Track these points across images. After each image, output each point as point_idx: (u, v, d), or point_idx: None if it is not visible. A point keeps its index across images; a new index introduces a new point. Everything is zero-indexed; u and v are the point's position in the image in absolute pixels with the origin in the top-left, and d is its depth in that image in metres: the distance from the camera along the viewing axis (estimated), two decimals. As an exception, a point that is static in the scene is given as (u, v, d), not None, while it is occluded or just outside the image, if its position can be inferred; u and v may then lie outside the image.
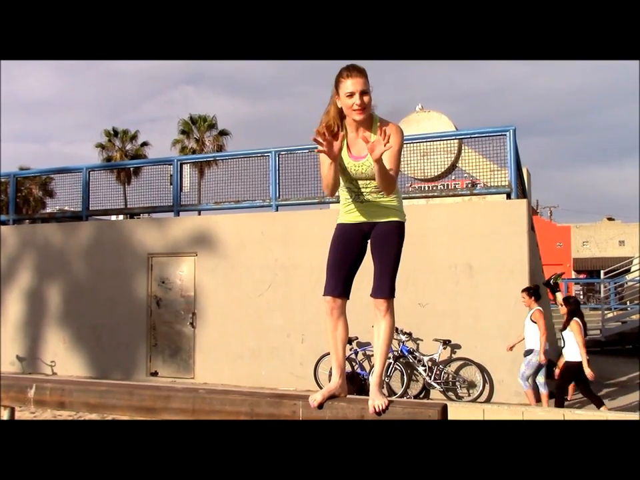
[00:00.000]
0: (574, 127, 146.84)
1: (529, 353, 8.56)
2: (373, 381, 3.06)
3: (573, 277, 43.19)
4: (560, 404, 8.13)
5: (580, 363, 8.06)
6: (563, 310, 8.47)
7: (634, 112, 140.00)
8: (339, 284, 3.16)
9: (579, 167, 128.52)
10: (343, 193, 3.28)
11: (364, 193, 3.18)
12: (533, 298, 8.69)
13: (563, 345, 8.40)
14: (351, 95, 3.01)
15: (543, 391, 8.61)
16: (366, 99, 3.01)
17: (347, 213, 3.25)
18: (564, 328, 8.37)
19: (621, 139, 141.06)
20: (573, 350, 8.17)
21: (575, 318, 8.26)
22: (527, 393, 8.69)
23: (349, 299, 3.21)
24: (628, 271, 19.81)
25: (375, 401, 2.88)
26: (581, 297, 37.27)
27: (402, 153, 3.17)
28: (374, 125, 3.10)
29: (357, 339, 9.70)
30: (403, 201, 3.31)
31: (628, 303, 18.74)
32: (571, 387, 9.85)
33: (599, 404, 8.29)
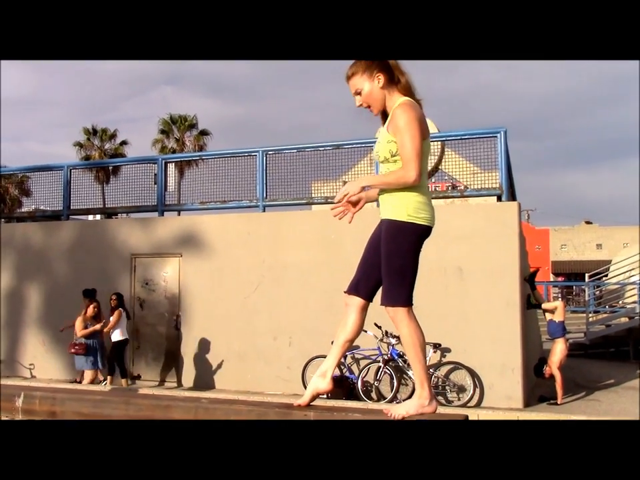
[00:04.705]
0: (549, 130, 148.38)
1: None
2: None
3: (551, 279, 43.55)
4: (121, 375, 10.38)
5: (119, 342, 10.36)
6: (113, 303, 10.42)
7: (609, 117, 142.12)
8: (355, 282, 3.07)
9: (555, 170, 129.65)
10: None
11: None
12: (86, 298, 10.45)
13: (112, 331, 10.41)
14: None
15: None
16: (360, 97, 2.99)
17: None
18: (111, 315, 10.34)
19: (595, 143, 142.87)
20: (117, 332, 10.35)
21: (119, 309, 10.38)
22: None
23: (367, 300, 3.05)
24: (607, 275, 19.94)
25: (393, 409, 2.84)
26: (560, 299, 37.54)
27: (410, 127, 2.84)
28: (393, 109, 2.96)
29: (352, 344, 9.54)
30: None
31: (607, 307, 18.85)
32: (559, 390, 9.84)
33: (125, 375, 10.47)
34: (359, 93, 2.97)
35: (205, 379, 10.74)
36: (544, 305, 10.83)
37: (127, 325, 10.73)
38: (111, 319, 10.46)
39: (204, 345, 10.89)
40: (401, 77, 2.93)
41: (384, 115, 3.02)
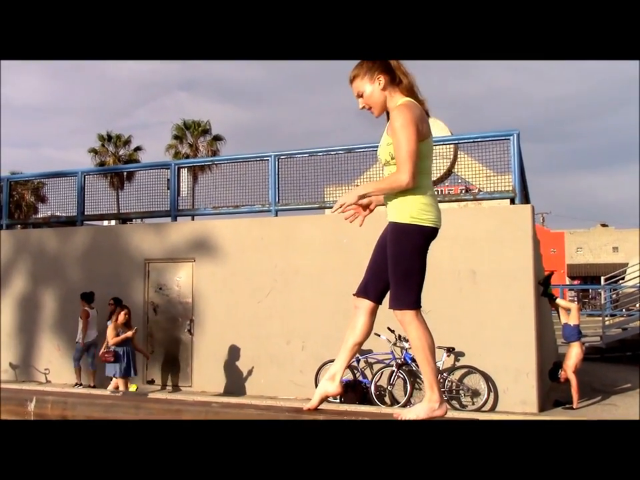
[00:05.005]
0: (564, 133, 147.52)
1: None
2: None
3: (567, 282, 43.22)
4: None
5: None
6: (110, 308, 10.32)
7: (624, 119, 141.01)
8: (363, 284, 3.07)
9: (569, 173, 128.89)
10: None
11: None
12: (84, 301, 11.19)
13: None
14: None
15: (90, 368, 11.23)
16: (362, 100, 2.99)
17: None
18: (109, 319, 10.23)
19: (611, 146, 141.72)
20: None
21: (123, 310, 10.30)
22: (75, 370, 11.20)
23: (376, 302, 3.04)
24: (623, 278, 19.74)
25: (403, 413, 2.86)
26: (576, 302, 37.18)
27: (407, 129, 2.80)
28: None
29: (361, 347, 9.51)
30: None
31: (624, 310, 18.65)
32: (575, 394, 9.74)
33: None
34: (360, 96, 2.98)
35: (217, 383, 10.74)
36: (559, 300, 10.63)
37: None
38: (109, 323, 10.61)
39: (217, 350, 10.90)
40: (403, 78, 2.92)
41: (388, 117, 3.01)
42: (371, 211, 3.12)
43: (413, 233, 2.85)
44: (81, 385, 11.05)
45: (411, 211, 2.85)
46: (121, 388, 9.34)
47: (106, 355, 9.45)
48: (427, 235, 2.89)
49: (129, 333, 9.58)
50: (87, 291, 11.23)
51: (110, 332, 9.52)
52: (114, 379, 9.57)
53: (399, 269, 2.85)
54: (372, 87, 2.93)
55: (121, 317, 9.58)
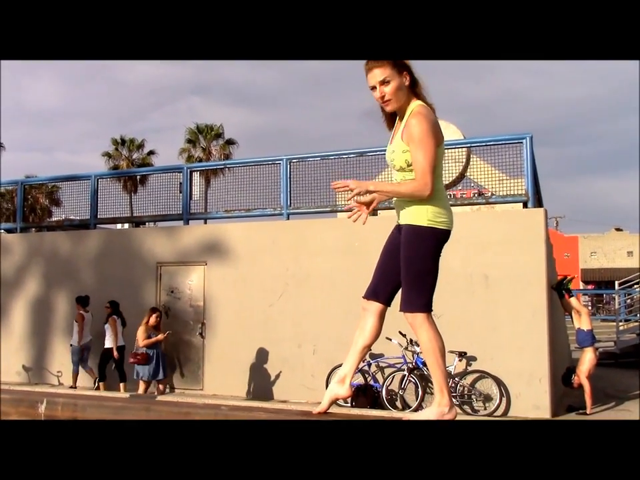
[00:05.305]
0: (578, 136, 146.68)
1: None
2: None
3: (581, 287, 42.91)
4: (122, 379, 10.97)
5: (110, 349, 10.91)
6: (107, 310, 11.08)
7: (638, 121, 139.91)
8: (372, 286, 3.06)
9: (583, 177, 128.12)
10: None
11: None
12: (79, 305, 11.39)
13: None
14: (373, 88, 2.91)
15: (86, 369, 11.50)
16: (387, 88, 2.86)
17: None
18: (106, 322, 11.04)
19: (625, 149, 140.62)
20: (109, 339, 10.98)
21: (113, 316, 10.96)
22: (73, 374, 11.36)
23: (386, 304, 3.03)
24: (637, 283, 19.54)
25: (413, 418, 2.83)
26: (590, 307, 36.94)
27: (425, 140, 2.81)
28: (407, 114, 2.91)
29: (370, 350, 9.48)
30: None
31: (638, 315, 18.47)
32: (588, 400, 9.65)
33: (124, 380, 10.94)
34: (384, 83, 2.85)
35: (228, 386, 10.74)
36: (573, 299, 10.41)
37: (123, 331, 11.16)
38: (106, 326, 11.05)
39: (228, 353, 10.91)
40: (418, 80, 2.92)
41: (392, 116, 2.99)
42: (373, 207, 3.10)
43: (428, 235, 2.86)
44: (75, 388, 11.06)
45: (427, 214, 2.86)
46: (140, 391, 9.32)
47: (138, 357, 9.39)
48: (440, 237, 2.89)
49: (160, 336, 9.56)
50: (82, 295, 11.48)
51: (140, 334, 9.48)
52: (142, 382, 9.52)
53: (411, 270, 2.85)
54: (400, 80, 2.86)
55: (152, 319, 9.56)
